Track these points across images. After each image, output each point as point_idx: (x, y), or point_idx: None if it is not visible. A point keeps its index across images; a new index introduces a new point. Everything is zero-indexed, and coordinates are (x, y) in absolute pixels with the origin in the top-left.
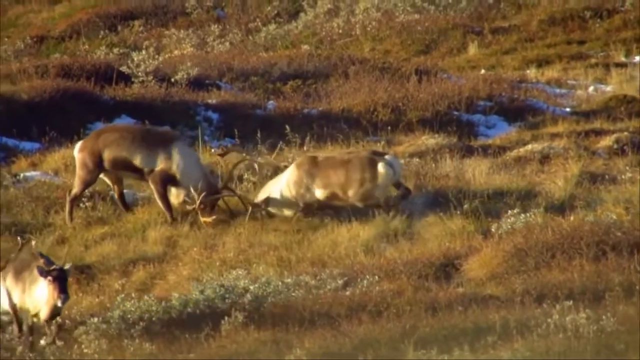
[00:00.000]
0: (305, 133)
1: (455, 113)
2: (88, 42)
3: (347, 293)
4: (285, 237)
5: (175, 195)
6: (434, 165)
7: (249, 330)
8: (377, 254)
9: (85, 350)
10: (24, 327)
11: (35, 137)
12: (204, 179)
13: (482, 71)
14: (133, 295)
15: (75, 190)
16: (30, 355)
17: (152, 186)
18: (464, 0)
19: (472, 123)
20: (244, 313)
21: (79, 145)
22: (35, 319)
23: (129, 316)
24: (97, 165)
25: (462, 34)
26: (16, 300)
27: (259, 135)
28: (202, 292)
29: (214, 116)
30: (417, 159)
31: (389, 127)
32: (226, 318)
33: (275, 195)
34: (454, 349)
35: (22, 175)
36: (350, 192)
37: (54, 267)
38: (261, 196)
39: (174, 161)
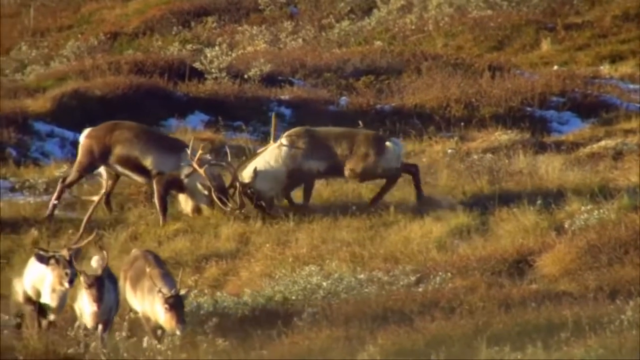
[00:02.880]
0: (377, 129)
1: (528, 109)
2: (161, 38)
3: (420, 290)
4: (358, 233)
5: (185, 202)
6: (507, 161)
7: (322, 327)
8: (450, 251)
9: (158, 347)
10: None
11: None
12: (214, 180)
13: (555, 67)
14: (206, 291)
15: (72, 177)
16: (104, 351)
17: (155, 187)
18: None
19: (545, 119)
20: (317, 309)
21: (87, 131)
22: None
23: (201, 312)
24: (103, 157)
25: (535, 30)
26: (137, 306)
27: None
28: (274, 288)
29: (287, 112)
30: (490, 155)
31: (462, 123)
32: (299, 314)
33: (263, 167)
34: (526, 345)
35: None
36: (351, 165)
37: (171, 294)
38: (247, 172)
39: (183, 168)
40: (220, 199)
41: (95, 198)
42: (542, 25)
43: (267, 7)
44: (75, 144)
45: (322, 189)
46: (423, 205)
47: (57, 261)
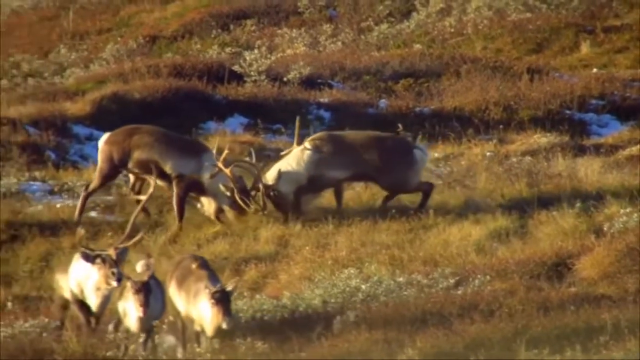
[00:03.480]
0: (417, 132)
1: (567, 112)
2: (200, 41)
3: (459, 292)
4: (397, 236)
5: (207, 205)
6: (546, 164)
7: (361, 330)
8: (489, 254)
9: (197, 350)
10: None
11: None
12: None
13: (594, 70)
14: (245, 294)
15: (95, 184)
16: (143, 353)
17: (174, 189)
18: None
19: (584, 122)
20: (356, 312)
21: (106, 137)
22: (198, 328)
23: (241, 315)
24: (123, 162)
25: (574, 33)
26: (181, 308)
27: None
28: (313, 291)
29: (326, 115)
30: (529, 158)
31: (501, 126)
32: (338, 317)
33: (285, 170)
34: (566, 348)
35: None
36: (380, 177)
37: (217, 289)
38: (271, 174)
39: (204, 170)
40: (242, 200)
41: (143, 197)
42: (581, 28)
43: (307, 10)
44: None
45: (362, 191)
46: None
47: (104, 260)
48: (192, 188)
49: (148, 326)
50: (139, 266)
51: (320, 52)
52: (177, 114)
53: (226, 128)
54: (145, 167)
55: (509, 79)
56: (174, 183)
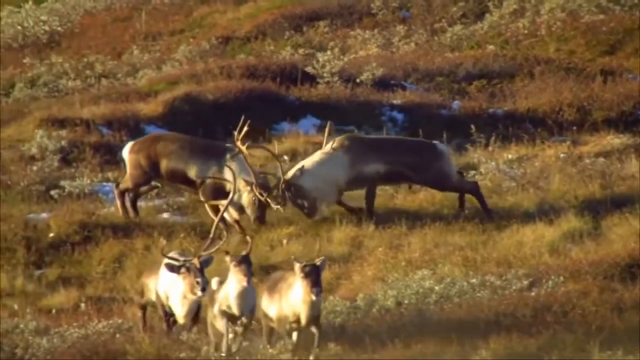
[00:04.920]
0: (490, 133)
1: None
2: (273, 42)
3: (533, 294)
4: (470, 237)
5: (230, 210)
6: (619, 165)
7: (434, 331)
8: (563, 255)
9: (270, 351)
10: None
11: (221, 138)
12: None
13: None
14: None
15: (126, 185)
16: (216, 354)
17: (202, 198)
18: None
19: None
20: (429, 313)
21: (130, 146)
22: (294, 325)
23: None
24: (153, 169)
25: None
26: (273, 313)
27: (444, 135)
28: (387, 292)
29: (399, 116)
30: (603, 159)
31: (574, 127)
32: (411, 318)
33: (310, 167)
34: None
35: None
36: (417, 172)
37: (305, 263)
38: (293, 170)
39: (226, 172)
40: (262, 195)
41: (224, 202)
42: None
43: (380, 11)
44: None
45: (436, 192)
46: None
47: (188, 270)
48: (217, 192)
49: (248, 309)
50: (214, 282)
51: (393, 53)
52: (250, 115)
53: (299, 129)
54: (176, 176)
55: (582, 81)
56: (200, 191)
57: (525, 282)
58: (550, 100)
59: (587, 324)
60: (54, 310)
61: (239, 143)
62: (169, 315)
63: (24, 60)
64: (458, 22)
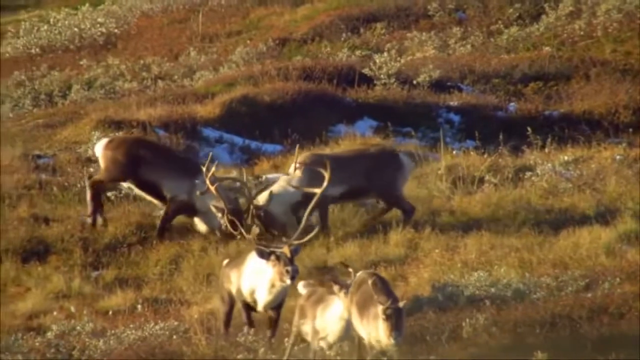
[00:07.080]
0: (546, 135)
1: None
2: (330, 44)
3: (589, 295)
4: (526, 238)
5: (199, 225)
6: None
7: (490, 332)
8: (619, 256)
9: (327, 352)
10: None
11: (277, 139)
12: (230, 204)
13: None
14: None
15: (100, 177)
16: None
17: (166, 207)
18: None
19: None
20: (485, 315)
21: (105, 143)
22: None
23: None
24: (131, 169)
25: None
26: (363, 333)
27: (500, 137)
28: (443, 293)
29: (455, 118)
30: None
31: (630, 129)
32: (467, 320)
33: (277, 191)
34: None
35: (263, 177)
36: (374, 184)
37: (389, 304)
38: (263, 196)
39: (196, 190)
40: (232, 222)
41: (317, 190)
42: None
43: (436, 13)
44: (244, 149)
45: (492, 194)
46: None
47: (278, 258)
48: (183, 210)
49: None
50: (301, 286)
51: (450, 55)
52: (306, 117)
53: (356, 131)
54: (147, 185)
55: (638, 82)
56: (168, 204)
57: (582, 284)
58: (606, 102)
59: None
60: (110, 312)
61: (207, 182)
62: (248, 308)
63: (81, 62)
64: (514, 23)
